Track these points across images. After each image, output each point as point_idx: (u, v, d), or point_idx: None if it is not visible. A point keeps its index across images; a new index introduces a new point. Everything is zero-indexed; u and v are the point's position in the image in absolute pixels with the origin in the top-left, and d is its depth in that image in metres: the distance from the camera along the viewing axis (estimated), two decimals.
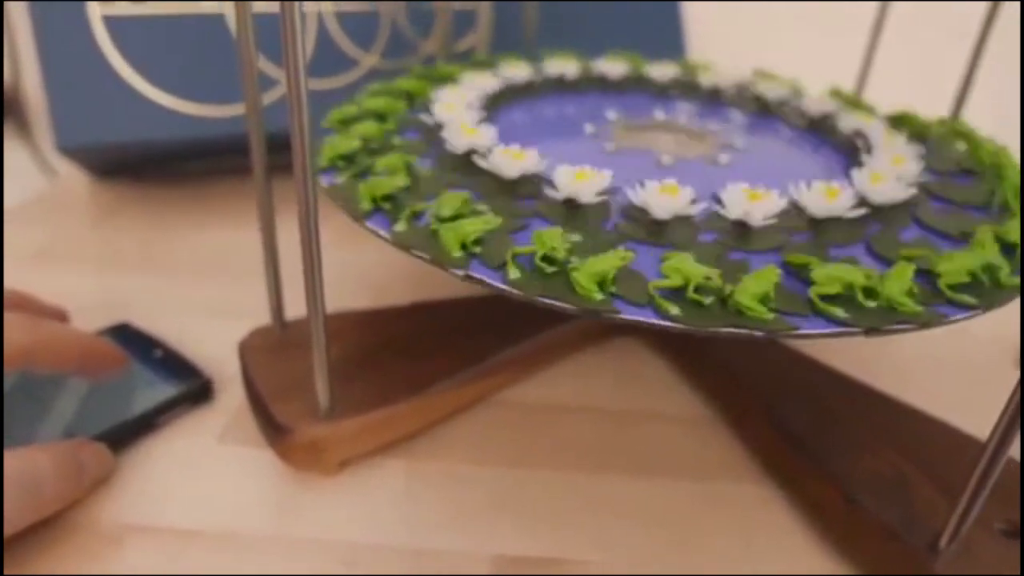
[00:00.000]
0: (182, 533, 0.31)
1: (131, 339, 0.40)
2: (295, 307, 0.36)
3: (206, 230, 0.54)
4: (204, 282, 0.48)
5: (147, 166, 0.61)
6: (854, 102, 0.47)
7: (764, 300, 0.26)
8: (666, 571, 0.30)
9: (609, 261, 0.26)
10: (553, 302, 0.26)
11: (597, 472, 0.35)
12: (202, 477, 0.34)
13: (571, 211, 0.31)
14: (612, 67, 0.50)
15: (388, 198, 0.31)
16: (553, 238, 0.27)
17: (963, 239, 0.31)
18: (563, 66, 0.48)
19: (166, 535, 0.31)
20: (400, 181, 0.31)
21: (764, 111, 0.47)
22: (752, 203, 0.30)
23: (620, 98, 0.48)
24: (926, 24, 0.71)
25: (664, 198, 0.30)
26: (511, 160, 0.32)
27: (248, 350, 0.36)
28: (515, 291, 0.26)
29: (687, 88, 0.50)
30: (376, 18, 0.57)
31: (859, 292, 0.26)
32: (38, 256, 0.50)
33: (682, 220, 0.30)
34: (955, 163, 0.38)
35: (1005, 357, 0.44)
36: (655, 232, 0.30)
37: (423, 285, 0.46)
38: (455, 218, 0.29)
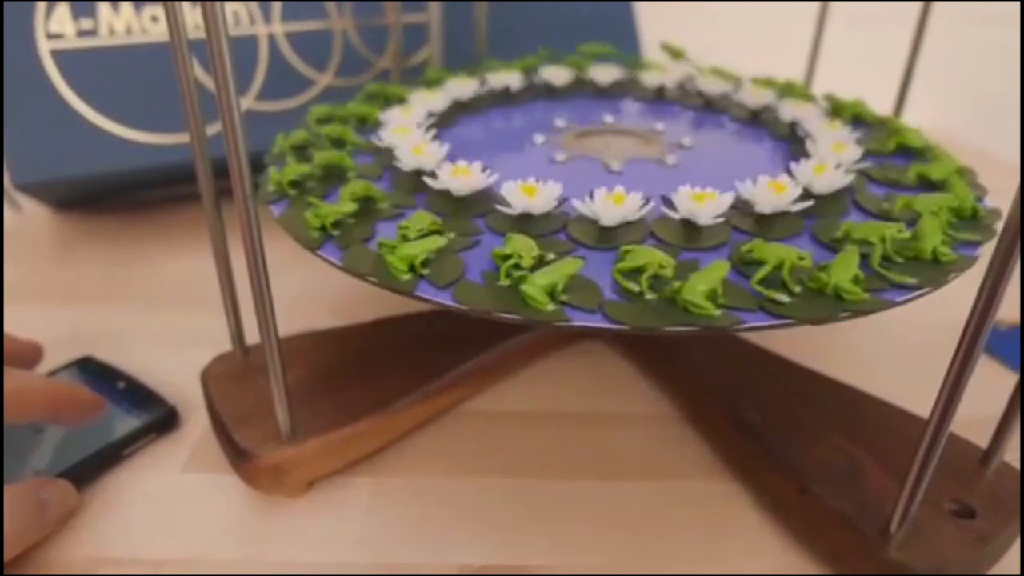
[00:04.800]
0: (154, 563, 0.31)
1: (94, 372, 0.40)
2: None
3: (168, 259, 0.54)
4: (167, 311, 0.48)
5: (107, 197, 0.61)
6: (791, 89, 0.47)
7: (712, 296, 0.26)
8: (631, 573, 0.30)
9: (560, 271, 0.27)
10: (505, 316, 0.26)
11: (561, 478, 0.35)
12: (170, 506, 0.34)
13: (522, 224, 0.31)
14: (556, 74, 0.50)
15: (337, 224, 0.31)
16: (520, 246, 0.28)
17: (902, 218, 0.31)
18: (508, 78, 0.49)
19: (138, 566, 0.31)
20: (348, 207, 0.32)
21: (708, 107, 0.48)
22: (699, 204, 0.31)
23: (566, 105, 0.48)
24: (874, 15, 0.72)
25: (612, 207, 0.31)
26: (459, 178, 0.33)
27: (210, 377, 0.36)
28: (463, 307, 0.27)
29: (631, 89, 0.51)
30: (328, 37, 0.57)
31: (786, 272, 0.27)
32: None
33: (633, 224, 0.31)
34: (892, 145, 0.39)
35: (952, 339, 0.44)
36: (606, 238, 0.30)
37: (387, 301, 0.46)
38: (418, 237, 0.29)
